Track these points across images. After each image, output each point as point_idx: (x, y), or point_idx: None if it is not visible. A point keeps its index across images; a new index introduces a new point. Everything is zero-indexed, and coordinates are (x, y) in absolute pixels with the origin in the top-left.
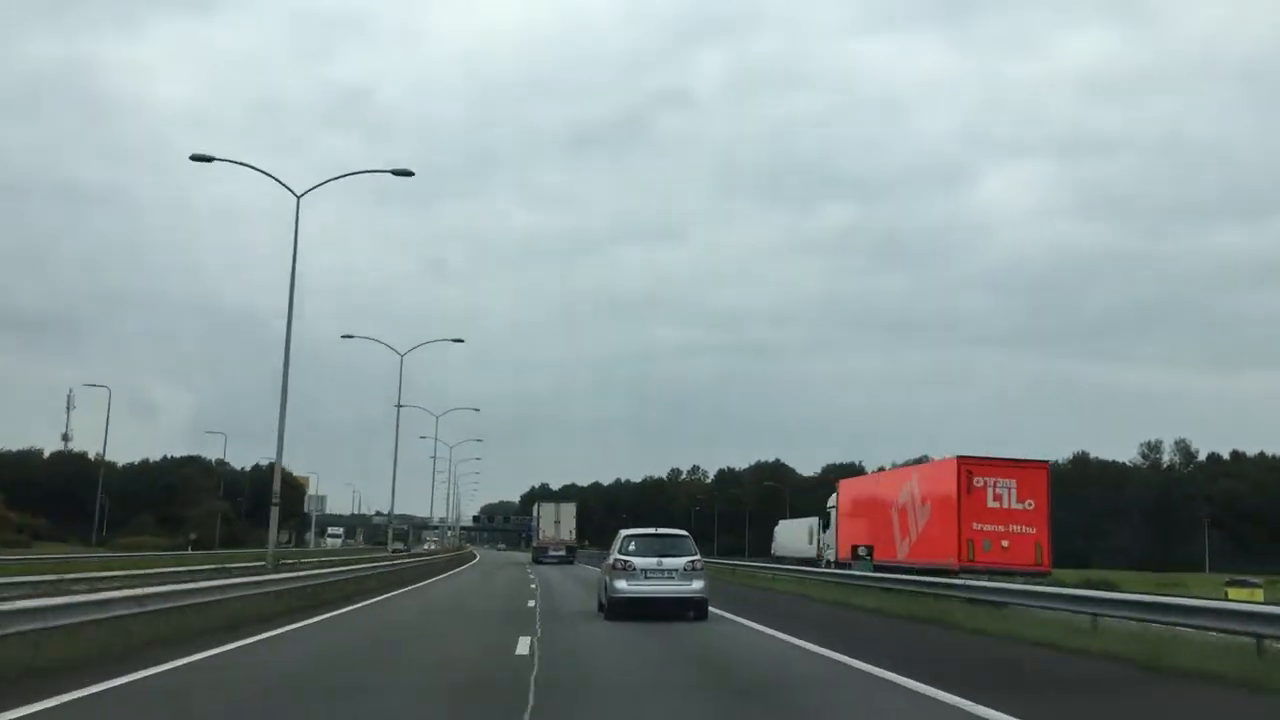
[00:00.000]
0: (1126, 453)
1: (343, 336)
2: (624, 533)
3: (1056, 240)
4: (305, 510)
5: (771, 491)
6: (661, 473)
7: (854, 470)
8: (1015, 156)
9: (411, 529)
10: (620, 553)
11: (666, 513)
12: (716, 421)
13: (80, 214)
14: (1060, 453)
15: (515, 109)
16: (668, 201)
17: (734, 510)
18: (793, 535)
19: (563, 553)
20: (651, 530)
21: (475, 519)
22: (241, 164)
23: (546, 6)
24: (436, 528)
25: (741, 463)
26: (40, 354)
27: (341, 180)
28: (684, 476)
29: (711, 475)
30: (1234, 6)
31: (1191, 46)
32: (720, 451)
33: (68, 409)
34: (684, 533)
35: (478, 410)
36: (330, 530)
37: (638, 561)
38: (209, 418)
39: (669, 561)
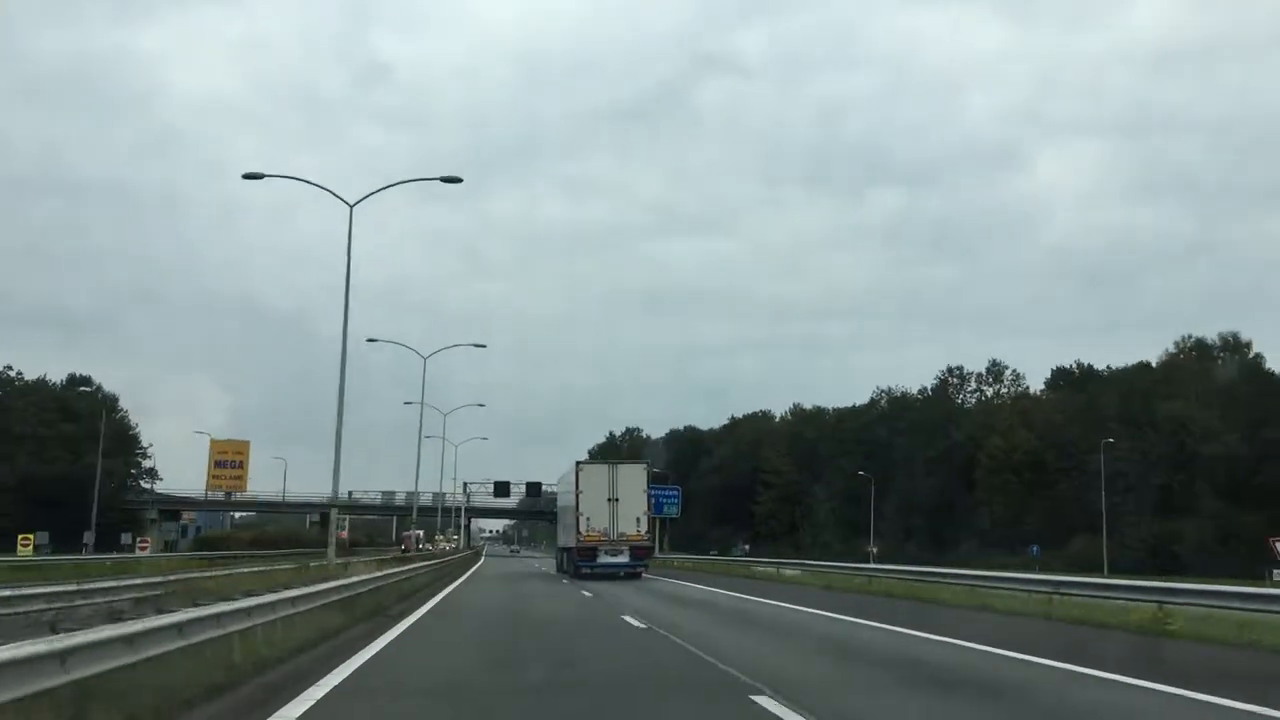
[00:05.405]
0: None
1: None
2: None
3: (1114, 225)
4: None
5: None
6: (908, 381)
7: None
8: (1072, 136)
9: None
10: None
11: (968, 484)
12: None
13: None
14: None
15: (525, 101)
16: (717, 188)
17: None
18: None
19: (624, 557)
20: None
21: (496, 486)
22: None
23: None
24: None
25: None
26: None
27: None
28: (978, 383)
29: (1038, 380)
30: None
31: (1262, 17)
32: None
33: None
34: None
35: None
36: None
37: None
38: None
39: None
